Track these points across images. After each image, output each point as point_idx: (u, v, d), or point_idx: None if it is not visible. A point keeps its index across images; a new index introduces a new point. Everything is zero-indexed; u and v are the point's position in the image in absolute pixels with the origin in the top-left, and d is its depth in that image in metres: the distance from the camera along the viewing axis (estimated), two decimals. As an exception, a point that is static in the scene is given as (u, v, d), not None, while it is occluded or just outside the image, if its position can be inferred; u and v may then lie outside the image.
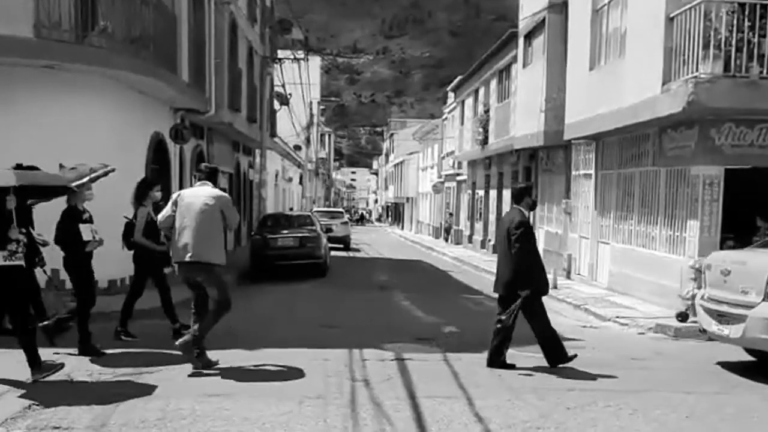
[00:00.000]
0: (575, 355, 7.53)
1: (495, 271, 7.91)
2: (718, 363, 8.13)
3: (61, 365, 6.51)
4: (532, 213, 8.30)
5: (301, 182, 45.02)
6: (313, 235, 17.03)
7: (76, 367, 6.86)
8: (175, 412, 5.51)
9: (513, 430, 5.36)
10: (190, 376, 6.74)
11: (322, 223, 20.84)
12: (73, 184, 7.34)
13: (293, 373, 6.93)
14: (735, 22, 10.01)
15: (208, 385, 6.37)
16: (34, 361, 6.36)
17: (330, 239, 21.41)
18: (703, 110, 10.20)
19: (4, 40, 9.93)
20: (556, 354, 7.47)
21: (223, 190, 20.88)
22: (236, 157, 22.63)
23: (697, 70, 10.14)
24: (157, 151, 13.72)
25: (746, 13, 10.05)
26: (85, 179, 7.57)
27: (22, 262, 6.37)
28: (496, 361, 7.39)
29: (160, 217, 7.33)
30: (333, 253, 21.55)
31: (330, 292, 14.11)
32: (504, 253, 7.52)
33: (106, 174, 7.89)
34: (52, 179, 7.27)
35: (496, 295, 7.96)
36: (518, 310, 7.39)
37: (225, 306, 7.14)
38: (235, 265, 17.26)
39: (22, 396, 5.87)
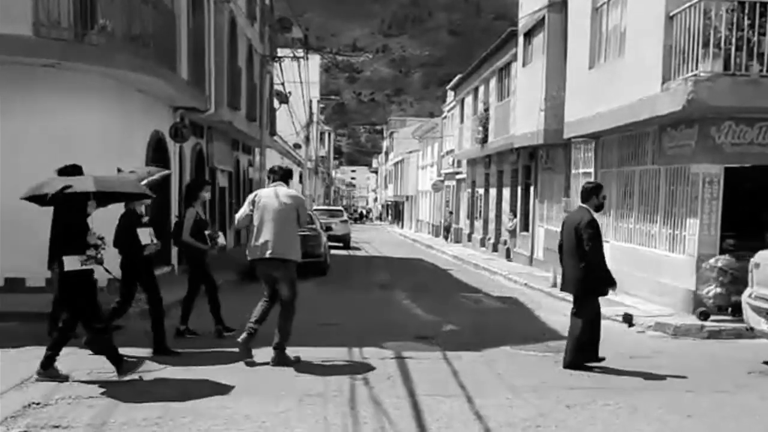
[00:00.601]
0: (604, 358, 7.51)
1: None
2: (719, 361, 8.14)
3: (142, 361, 6.63)
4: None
5: (300, 181, 45.02)
6: (313, 234, 17.01)
7: (76, 366, 6.86)
8: (176, 411, 5.51)
9: (513, 428, 5.36)
10: (274, 364, 7.04)
11: (321, 221, 20.82)
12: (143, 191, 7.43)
13: (293, 372, 6.93)
14: (735, 20, 10.00)
15: (208, 385, 6.37)
16: (117, 361, 6.46)
17: (330, 238, 21.38)
18: (703, 109, 10.19)
19: (3, 38, 9.92)
20: (582, 355, 7.42)
21: (222, 188, 20.90)
22: (236, 156, 22.63)
23: (696, 68, 10.13)
24: (157, 150, 13.71)
25: (746, 11, 10.04)
26: (144, 182, 7.72)
27: (94, 267, 6.51)
28: (592, 359, 7.41)
29: (238, 216, 7.58)
30: (333, 251, 21.54)
31: (330, 291, 14.11)
32: (571, 252, 7.54)
33: (162, 177, 8.08)
34: (132, 186, 7.40)
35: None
36: (599, 308, 7.49)
37: (294, 301, 7.38)
38: (236, 264, 17.25)
39: (22, 394, 5.87)
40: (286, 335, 7.26)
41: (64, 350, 7.20)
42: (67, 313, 6.62)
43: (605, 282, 7.45)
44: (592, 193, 7.68)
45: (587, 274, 7.31)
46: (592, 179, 15.33)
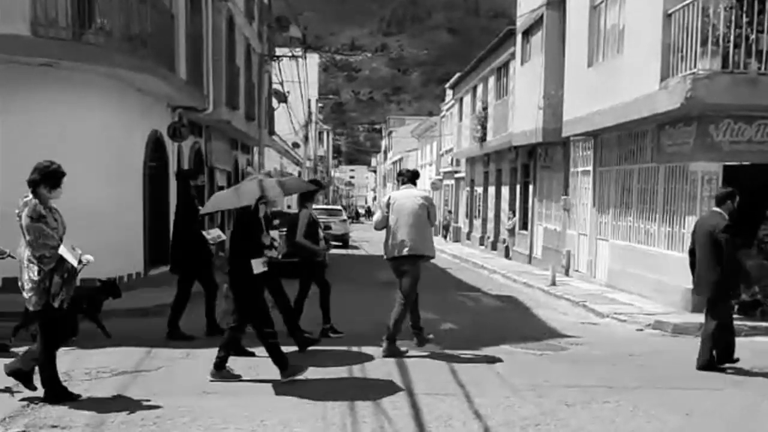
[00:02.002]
0: (738, 359, 7.58)
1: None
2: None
3: (303, 368, 6.67)
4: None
5: (300, 180, 44.98)
6: None
7: (75, 365, 6.85)
8: (175, 410, 5.51)
9: (512, 427, 5.35)
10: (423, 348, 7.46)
11: (320, 220, 20.79)
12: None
13: (292, 371, 6.92)
14: (733, 18, 10.00)
15: (207, 383, 6.37)
16: (281, 362, 6.55)
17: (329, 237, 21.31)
18: (701, 106, 10.20)
19: (1, 38, 9.91)
20: (715, 357, 7.50)
21: (220, 188, 20.91)
22: (234, 155, 22.61)
23: (695, 66, 10.13)
24: (155, 149, 13.71)
25: (744, 9, 10.04)
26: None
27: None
28: (727, 360, 7.49)
29: (376, 218, 8.14)
30: (332, 250, 21.49)
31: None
32: (707, 256, 7.57)
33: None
34: (305, 185, 7.84)
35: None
36: (732, 310, 7.67)
37: (411, 296, 7.83)
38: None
39: (20, 394, 5.86)
40: (399, 328, 7.73)
41: (63, 349, 7.20)
42: (239, 314, 6.69)
43: (741, 283, 7.73)
44: (727, 198, 7.82)
45: (724, 277, 7.42)
46: (590, 177, 15.36)
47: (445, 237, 34.88)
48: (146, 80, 11.82)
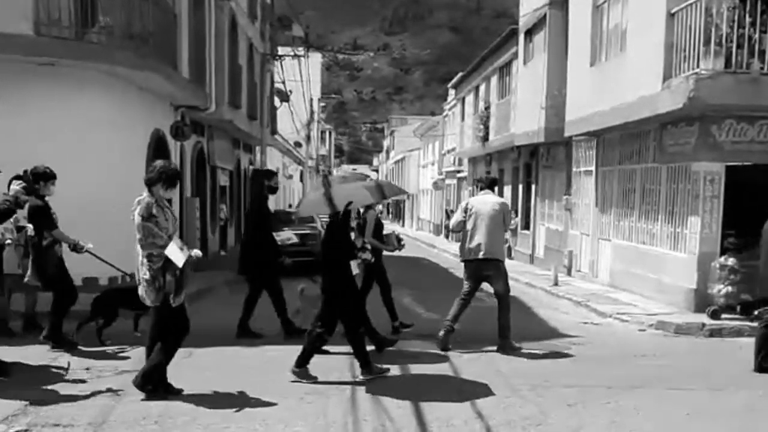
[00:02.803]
0: None
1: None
2: (721, 360, 8.14)
3: (387, 369, 6.78)
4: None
5: (301, 179, 45.02)
6: (314, 233, 16.98)
7: (77, 364, 6.86)
8: (177, 409, 5.52)
9: (513, 426, 5.35)
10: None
11: (322, 220, 20.81)
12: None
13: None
14: (736, 18, 9.98)
15: (209, 382, 6.37)
16: (365, 361, 6.65)
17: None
18: (703, 107, 10.18)
19: (3, 37, 9.93)
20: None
21: (222, 187, 20.87)
22: (237, 154, 22.62)
23: (697, 66, 10.12)
24: (158, 148, 13.71)
25: (747, 9, 10.02)
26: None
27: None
28: None
29: (453, 222, 8.45)
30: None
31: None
32: None
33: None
34: (398, 189, 8.20)
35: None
36: None
37: (508, 294, 8.29)
38: (236, 262, 17.25)
39: (23, 393, 5.87)
40: (508, 326, 8.08)
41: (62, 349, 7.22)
42: (328, 313, 6.75)
43: None
44: None
45: None
46: (593, 177, 15.35)
47: (447, 237, 34.86)
48: (149, 79, 11.82)
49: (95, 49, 10.74)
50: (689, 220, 11.07)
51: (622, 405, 6.02)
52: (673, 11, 10.80)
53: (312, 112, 44.73)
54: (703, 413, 5.88)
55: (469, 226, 8.16)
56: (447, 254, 25.55)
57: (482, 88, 27.18)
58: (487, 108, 25.36)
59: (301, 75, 28.20)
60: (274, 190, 8.97)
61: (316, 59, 46.45)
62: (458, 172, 33.63)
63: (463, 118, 31.21)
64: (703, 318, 10.07)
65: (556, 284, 14.25)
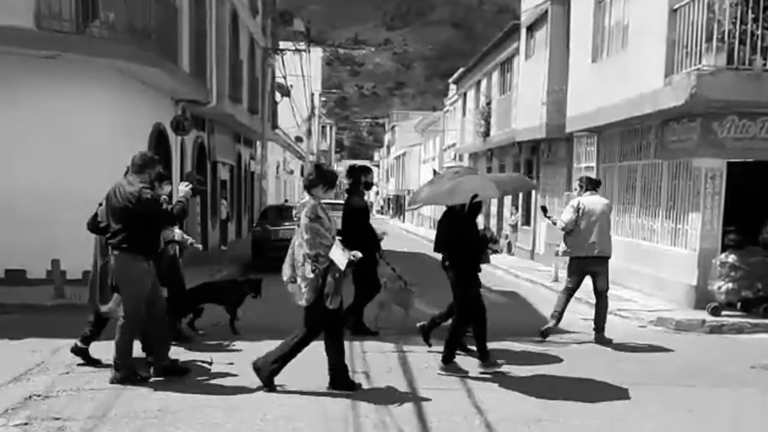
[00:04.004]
0: None
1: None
2: (721, 356, 8.13)
3: (500, 364, 6.87)
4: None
5: (302, 174, 44.99)
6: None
7: (77, 358, 6.86)
8: (177, 403, 5.52)
9: (513, 422, 5.35)
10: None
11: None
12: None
13: (294, 365, 6.92)
14: (738, 14, 9.95)
15: (209, 378, 6.38)
16: (484, 353, 6.80)
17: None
18: (705, 103, 10.15)
19: (5, 30, 9.92)
20: None
21: (223, 182, 20.86)
22: (237, 149, 22.61)
23: (699, 62, 10.09)
24: (159, 142, 13.70)
25: (750, 5, 9.98)
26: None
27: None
28: None
29: (566, 220, 8.75)
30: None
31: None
32: None
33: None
34: (520, 184, 8.48)
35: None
36: None
37: (607, 292, 8.70)
38: (237, 257, 17.27)
39: (23, 386, 5.88)
40: (605, 319, 8.58)
41: (63, 342, 7.22)
42: (459, 309, 7.02)
43: None
44: None
45: None
46: (594, 173, 15.32)
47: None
48: (149, 73, 11.81)
49: (97, 43, 10.73)
50: (690, 217, 11.06)
51: (623, 401, 6.02)
52: (675, 7, 10.77)
53: (313, 107, 44.67)
54: (705, 410, 5.87)
55: (581, 225, 8.59)
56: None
57: (483, 83, 27.13)
58: (489, 104, 25.32)
59: (302, 70, 28.16)
60: (369, 185, 9.06)
61: (317, 54, 46.37)
62: (459, 167, 33.55)
63: (464, 114, 31.16)
64: (704, 315, 10.07)
65: (556, 280, 14.24)
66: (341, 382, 6.02)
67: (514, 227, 22.15)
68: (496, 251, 8.09)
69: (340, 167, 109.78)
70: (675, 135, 11.63)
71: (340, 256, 5.73)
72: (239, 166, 23.17)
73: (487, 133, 24.83)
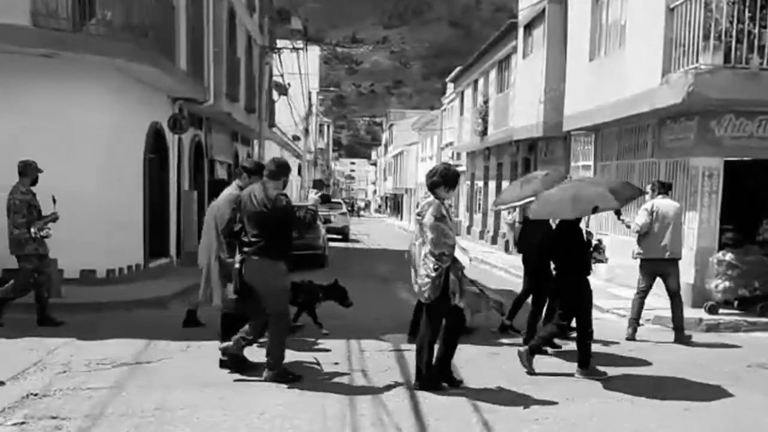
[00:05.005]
0: None
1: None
2: (718, 355, 8.15)
3: (606, 373, 6.84)
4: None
5: (299, 173, 44.95)
6: (312, 226, 16.95)
7: (75, 356, 6.85)
8: (174, 402, 5.51)
9: (511, 420, 5.36)
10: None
11: (320, 214, 20.79)
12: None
13: (292, 364, 6.93)
14: (735, 12, 9.96)
15: (207, 376, 6.36)
16: (587, 361, 6.83)
17: (329, 230, 21.34)
18: (702, 101, 10.17)
19: (1, 29, 9.89)
20: None
21: (220, 180, 20.85)
22: (235, 147, 22.58)
23: (697, 61, 10.10)
24: (156, 141, 13.68)
25: (747, 3, 10.00)
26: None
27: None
28: None
29: (641, 223, 8.81)
30: (332, 244, 21.52)
31: (329, 283, 14.05)
32: None
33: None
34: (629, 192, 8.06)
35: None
36: None
37: (679, 292, 8.85)
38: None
39: (20, 385, 5.87)
40: (682, 318, 8.72)
41: (62, 340, 7.22)
42: (564, 311, 7.17)
43: None
44: None
45: None
46: (591, 172, 15.34)
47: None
48: (146, 71, 11.78)
49: (93, 41, 10.69)
50: (687, 215, 11.06)
51: (620, 399, 6.03)
52: (672, 6, 10.78)
53: (310, 106, 44.65)
54: (702, 408, 5.88)
55: (656, 228, 8.73)
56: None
57: (481, 82, 27.14)
58: (486, 102, 25.33)
59: (299, 68, 28.13)
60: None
61: (314, 52, 46.32)
62: (457, 166, 33.54)
63: (461, 113, 31.16)
64: (701, 313, 10.08)
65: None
66: (442, 378, 6.14)
67: (512, 226, 22.10)
68: (600, 261, 7.88)
69: (338, 166, 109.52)
70: (672, 134, 11.64)
71: (461, 254, 5.93)
72: (237, 165, 23.13)
73: (484, 132, 24.84)
